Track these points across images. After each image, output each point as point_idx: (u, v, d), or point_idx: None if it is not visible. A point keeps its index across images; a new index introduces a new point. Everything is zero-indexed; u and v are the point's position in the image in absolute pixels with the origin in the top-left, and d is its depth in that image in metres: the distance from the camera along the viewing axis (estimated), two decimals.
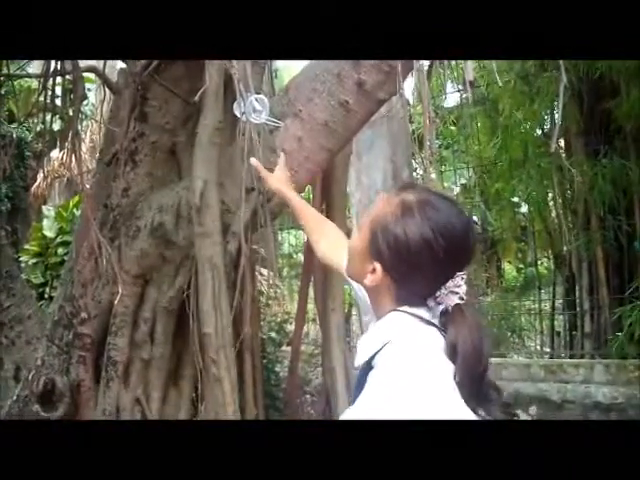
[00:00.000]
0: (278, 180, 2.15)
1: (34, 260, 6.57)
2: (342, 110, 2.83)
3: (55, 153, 9.68)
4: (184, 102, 2.97)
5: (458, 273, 1.24)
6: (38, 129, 7.33)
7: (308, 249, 4.27)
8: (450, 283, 1.22)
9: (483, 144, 7.12)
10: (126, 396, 3.03)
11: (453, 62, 3.65)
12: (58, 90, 4.62)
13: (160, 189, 3.06)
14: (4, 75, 3.95)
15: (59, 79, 3.90)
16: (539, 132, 6.89)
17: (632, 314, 5.00)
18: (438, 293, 1.23)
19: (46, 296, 6.04)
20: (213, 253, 2.62)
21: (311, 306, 4.81)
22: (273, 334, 5.90)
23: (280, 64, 8.03)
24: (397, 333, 1.20)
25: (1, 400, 3.51)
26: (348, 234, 1.77)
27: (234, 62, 2.49)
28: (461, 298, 1.21)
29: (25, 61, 4.45)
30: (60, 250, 6.27)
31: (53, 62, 3.18)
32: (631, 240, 5.83)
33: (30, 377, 3.17)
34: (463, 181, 9.56)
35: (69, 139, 3.28)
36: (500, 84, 5.64)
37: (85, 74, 3.43)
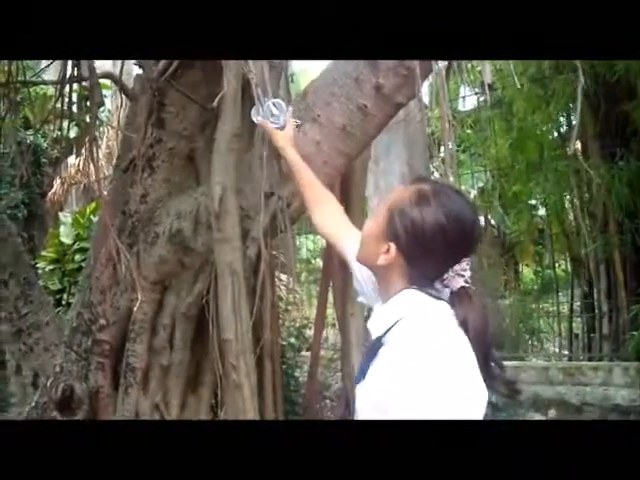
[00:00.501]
0: (283, 137, 2.11)
1: (51, 267, 6.60)
2: (360, 114, 2.81)
3: (72, 159, 9.73)
4: (201, 108, 2.97)
5: (464, 258, 1.33)
6: (54, 136, 7.36)
7: (327, 254, 4.25)
8: (457, 267, 1.32)
9: (500, 147, 7.08)
10: (145, 403, 3.03)
11: (469, 65, 3.62)
12: (74, 97, 4.63)
13: (178, 195, 3.07)
14: (20, 82, 3.96)
15: (75, 86, 3.91)
16: (555, 135, 6.85)
17: None
18: (445, 275, 1.32)
19: (64, 303, 6.06)
20: (233, 259, 2.61)
21: (330, 311, 4.79)
22: (292, 339, 5.89)
23: (296, 68, 8.00)
24: (410, 310, 1.29)
25: (20, 407, 3.52)
26: None
27: (252, 66, 2.48)
28: (466, 281, 1.31)
29: (41, 68, 4.47)
30: (77, 257, 6.30)
31: (69, 69, 3.19)
32: None
33: (49, 384, 3.18)
34: (480, 184, 9.50)
35: (86, 145, 3.29)
36: (519, 85, 5.60)
37: (101, 80, 3.43)
